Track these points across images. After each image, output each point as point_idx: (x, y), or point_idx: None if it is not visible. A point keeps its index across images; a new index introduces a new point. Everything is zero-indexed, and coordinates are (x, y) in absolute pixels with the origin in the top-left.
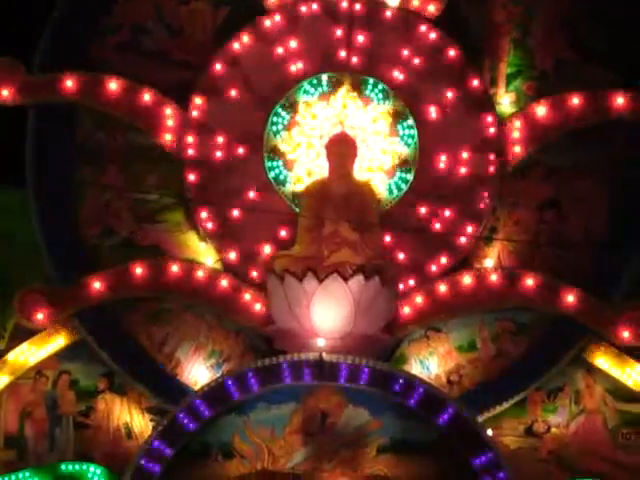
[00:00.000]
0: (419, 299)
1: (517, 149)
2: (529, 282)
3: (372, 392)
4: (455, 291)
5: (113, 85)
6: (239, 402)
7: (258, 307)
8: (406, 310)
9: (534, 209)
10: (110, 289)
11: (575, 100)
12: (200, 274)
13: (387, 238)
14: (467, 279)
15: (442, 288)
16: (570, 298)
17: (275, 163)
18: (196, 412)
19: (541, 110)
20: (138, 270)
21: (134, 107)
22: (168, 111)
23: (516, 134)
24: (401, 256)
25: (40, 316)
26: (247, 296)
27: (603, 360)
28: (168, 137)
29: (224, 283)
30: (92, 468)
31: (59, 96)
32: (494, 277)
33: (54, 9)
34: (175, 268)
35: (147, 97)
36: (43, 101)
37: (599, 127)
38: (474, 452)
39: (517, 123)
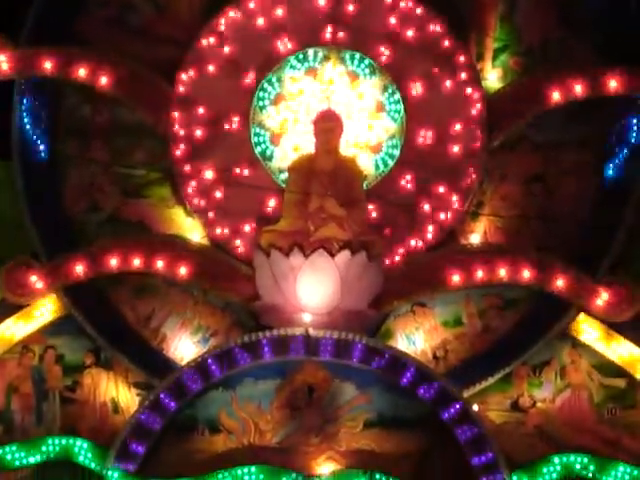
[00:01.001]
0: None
1: (504, 123)
2: (517, 258)
3: (359, 367)
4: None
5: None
6: (225, 377)
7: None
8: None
9: (521, 183)
10: (95, 266)
11: (567, 75)
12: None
13: (373, 214)
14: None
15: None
16: (556, 273)
17: (261, 138)
18: (182, 387)
19: (530, 84)
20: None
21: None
22: (155, 87)
23: (503, 108)
24: (387, 231)
25: (26, 290)
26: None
27: (589, 335)
28: (154, 113)
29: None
30: (79, 442)
31: (38, 72)
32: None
33: None
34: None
35: (133, 72)
36: (25, 76)
37: (585, 101)
38: (461, 429)
39: (504, 97)
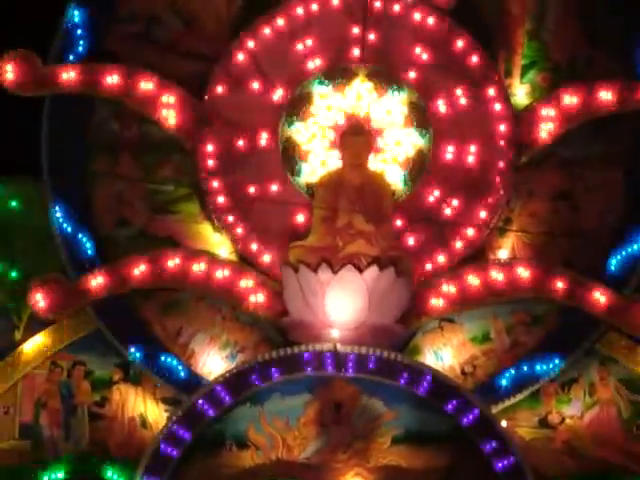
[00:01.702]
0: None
1: (532, 139)
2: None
3: (385, 382)
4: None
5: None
6: (254, 393)
7: (273, 298)
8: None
9: (548, 200)
10: (119, 283)
11: (599, 89)
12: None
13: (401, 229)
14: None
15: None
16: (585, 289)
17: (290, 154)
18: (216, 399)
19: (568, 98)
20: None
21: (137, 95)
22: (183, 102)
23: (532, 125)
24: (415, 247)
25: (54, 307)
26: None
27: (617, 351)
28: (178, 126)
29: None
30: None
31: (71, 87)
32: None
33: (70, 1)
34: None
35: (161, 87)
36: (51, 93)
37: (613, 118)
38: (486, 441)
39: (534, 113)
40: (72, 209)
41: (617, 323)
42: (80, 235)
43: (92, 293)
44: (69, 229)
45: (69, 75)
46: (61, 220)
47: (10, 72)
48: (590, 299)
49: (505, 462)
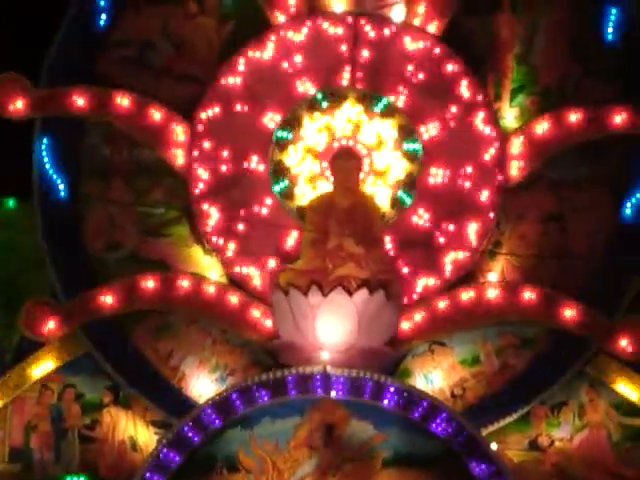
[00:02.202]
0: (418, 316)
1: (520, 164)
2: (528, 296)
3: (375, 405)
4: (455, 307)
5: (123, 101)
6: (244, 416)
7: (266, 322)
8: (406, 326)
9: (538, 223)
10: (118, 302)
11: (574, 116)
12: (211, 290)
13: (391, 252)
14: (466, 294)
15: (441, 304)
16: (569, 312)
17: (280, 177)
18: (205, 422)
19: (542, 126)
20: (149, 284)
21: (143, 123)
22: (179, 128)
23: (518, 150)
24: (405, 270)
25: (46, 329)
26: (256, 312)
27: (607, 374)
28: (178, 153)
29: (234, 299)
30: None
31: (67, 111)
32: (492, 292)
33: (61, 24)
34: (185, 283)
35: (156, 113)
36: (50, 115)
37: (602, 140)
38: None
39: (519, 139)
40: (63, 233)
41: (603, 346)
42: (71, 258)
43: (94, 312)
44: (59, 252)
45: (70, 100)
46: (51, 243)
47: (2, 96)
48: (567, 318)
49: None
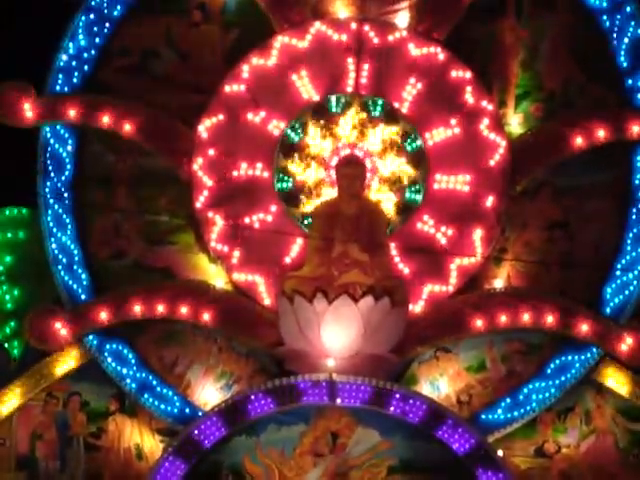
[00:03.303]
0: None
1: (526, 170)
2: (540, 304)
3: (380, 412)
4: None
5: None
6: (250, 423)
7: (268, 329)
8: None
9: (543, 230)
10: (118, 312)
11: (587, 120)
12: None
13: (396, 259)
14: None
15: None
16: (579, 318)
17: (285, 184)
18: (211, 430)
19: (551, 130)
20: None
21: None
22: (178, 133)
23: (525, 154)
24: (410, 277)
25: (51, 338)
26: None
27: (613, 380)
28: (178, 159)
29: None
30: None
31: (68, 119)
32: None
33: (64, 33)
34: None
35: (156, 119)
36: (52, 123)
37: (608, 146)
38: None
39: (526, 143)
40: (68, 241)
41: (608, 351)
42: (76, 266)
43: (92, 323)
44: (65, 260)
45: (71, 107)
46: (57, 252)
47: (7, 105)
48: (578, 326)
49: None
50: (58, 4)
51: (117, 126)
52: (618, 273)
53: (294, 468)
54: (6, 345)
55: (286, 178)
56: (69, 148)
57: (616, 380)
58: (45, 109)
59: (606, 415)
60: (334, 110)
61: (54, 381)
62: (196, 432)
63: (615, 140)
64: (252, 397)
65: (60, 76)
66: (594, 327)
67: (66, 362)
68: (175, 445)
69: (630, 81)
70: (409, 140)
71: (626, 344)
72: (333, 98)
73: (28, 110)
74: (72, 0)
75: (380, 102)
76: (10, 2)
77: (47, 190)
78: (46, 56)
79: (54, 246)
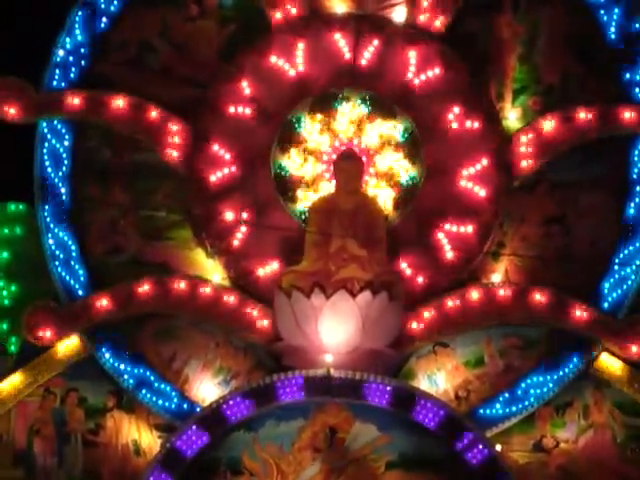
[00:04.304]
0: (427, 314)
1: (523, 164)
2: (538, 297)
3: (379, 407)
4: (463, 306)
5: (119, 102)
6: (248, 419)
7: (265, 323)
8: (414, 325)
9: (540, 224)
10: (117, 307)
11: (583, 114)
12: (207, 291)
13: (394, 254)
14: (475, 294)
15: (450, 303)
16: (578, 313)
17: (282, 179)
18: (203, 429)
19: (548, 124)
20: (145, 287)
21: (140, 124)
22: (175, 128)
23: (522, 149)
24: (408, 272)
25: (48, 333)
26: (254, 312)
27: (611, 375)
28: (175, 154)
29: (231, 299)
30: None
31: (64, 114)
32: (502, 292)
33: (60, 27)
34: (182, 285)
35: (153, 114)
36: (49, 119)
37: (605, 141)
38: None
39: (523, 138)
40: (65, 236)
41: (606, 346)
42: (73, 262)
43: (89, 319)
44: (62, 256)
45: (70, 102)
46: (54, 247)
47: (4, 100)
48: (575, 321)
49: None
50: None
51: (114, 122)
52: (616, 268)
53: (292, 463)
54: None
55: (284, 173)
56: (66, 143)
57: (614, 375)
58: (42, 105)
59: (604, 410)
60: (332, 105)
61: (51, 377)
62: (193, 429)
63: (611, 133)
64: (249, 393)
65: (57, 71)
66: (592, 322)
67: (63, 358)
68: (172, 442)
69: (628, 75)
70: (407, 135)
71: (624, 339)
72: (331, 93)
73: (25, 106)
74: None
75: (377, 97)
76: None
77: (44, 186)
78: (43, 52)
79: (51, 242)
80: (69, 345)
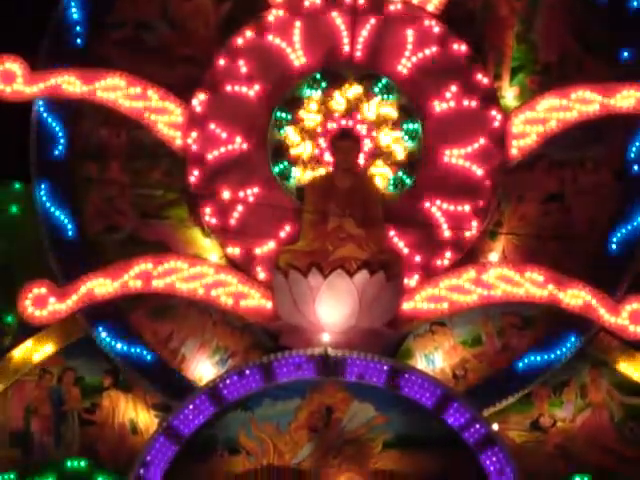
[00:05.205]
0: (423, 294)
1: (521, 143)
2: (535, 277)
3: (376, 386)
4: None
5: (115, 81)
6: (244, 398)
7: (263, 303)
8: (410, 305)
9: (539, 203)
10: (114, 286)
11: (581, 93)
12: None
13: (391, 233)
14: (472, 273)
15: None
16: (575, 292)
17: (279, 158)
18: (199, 408)
19: (546, 103)
20: (141, 266)
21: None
22: (172, 107)
23: (520, 128)
24: (405, 251)
25: (44, 312)
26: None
27: (609, 354)
28: (172, 133)
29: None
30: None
31: (62, 93)
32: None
33: (57, 6)
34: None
35: (150, 93)
36: (46, 97)
37: (603, 119)
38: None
39: (521, 117)
40: (61, 215)
41: (603, 325)
42: (70, 241)
43: (86, 298)
44: (58, 234)
45: (66, 80)
46: (50, 226)
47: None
48: (573, 299)
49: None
50: None
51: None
52: (614, 247)
53: (289, 443)
54: None
55: (280, 152)
56: (62, 122)
57: (611, 354)
58: (38, 83)
59: (601, 389)
60: (329, 83)
61: (48, 356)
62: (188, 409)
63: (608, 113)
64: (245, 372)
65: (53, 49)
66: (590, 301)
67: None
68: (168, 422)
69: (626, 53)
70: (404, 113)
71: (622, 317)
72: (328, 70)
73: (21, 84)
74: None
75: (375, 75)
76: None
77: (40, 164)
78: (39, 30)
79: (48, 221)
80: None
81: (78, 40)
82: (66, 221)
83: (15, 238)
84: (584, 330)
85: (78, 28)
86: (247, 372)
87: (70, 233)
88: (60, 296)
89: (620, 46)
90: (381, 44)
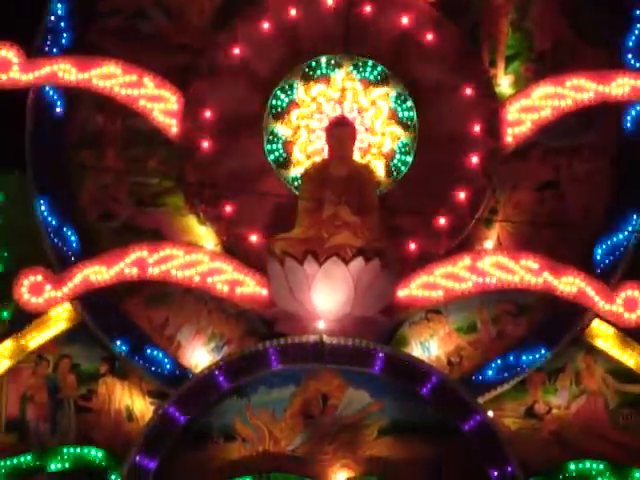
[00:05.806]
0: (419, 281)
1: (516, 130)
2: (529, 264)
3: (371, 374)
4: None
5: (111, 69)
6: (240, 385)
7: (259, 290)
8: (405, 292)
9: (533, 190)
10: (110, 274)
11: (575, 81)
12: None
13: (387, 220)
14: (467, 261)
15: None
16: (569, 279)
17: (275, 146)
18: (195, 396)
19: (541, 91)
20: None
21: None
22: (168, 95)
23: (515, 115)
24: (400, 238)
25: (40, 300)
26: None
27: (603, 341)
28: (168, 121)
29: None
30: (94, 452)
31: (57, 80)
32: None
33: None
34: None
35: (146, 80)
36: (41, 85)
37: (598, 107)
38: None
39: (516, 104)
40: (57, 203)
41: (598, 312)
42: (65, 228)
43: (81, 285)
44: (54, 222)
45: (62, 68)
46: (46, 214)
47: None
48: (568, 287)
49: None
50: None
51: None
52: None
53: (285, 429)
54: None
55: (276, 140)
56: (58, 110)
57: (606, 341)
58: (34, 70)
59: (596, 376)
60: (324, 71)
61: (44, 343)
62: (183, 396)
63: (603, 101)
64: (240, 359)
65: (49, 37)
66: (584, 288)
67: (56, 324)
68: (163, 409)
69: (620, 41)
70: (399, 101)
71: (616, 305)
72: (323, 59)
73: (17, 71)
74: None
75: (370, 63)
76: None
77: (36, 152)
78: (35, 18)
79: (43, 208)
80: (54, 318)
81: (74, 28)
82: (62, 208)
83: (10, 226)
84: (578, 318)
85: (74, 16)
86: None
87: (65, 221)
88: (56, 283)
89: (613, 32)
90: (377, 31)
